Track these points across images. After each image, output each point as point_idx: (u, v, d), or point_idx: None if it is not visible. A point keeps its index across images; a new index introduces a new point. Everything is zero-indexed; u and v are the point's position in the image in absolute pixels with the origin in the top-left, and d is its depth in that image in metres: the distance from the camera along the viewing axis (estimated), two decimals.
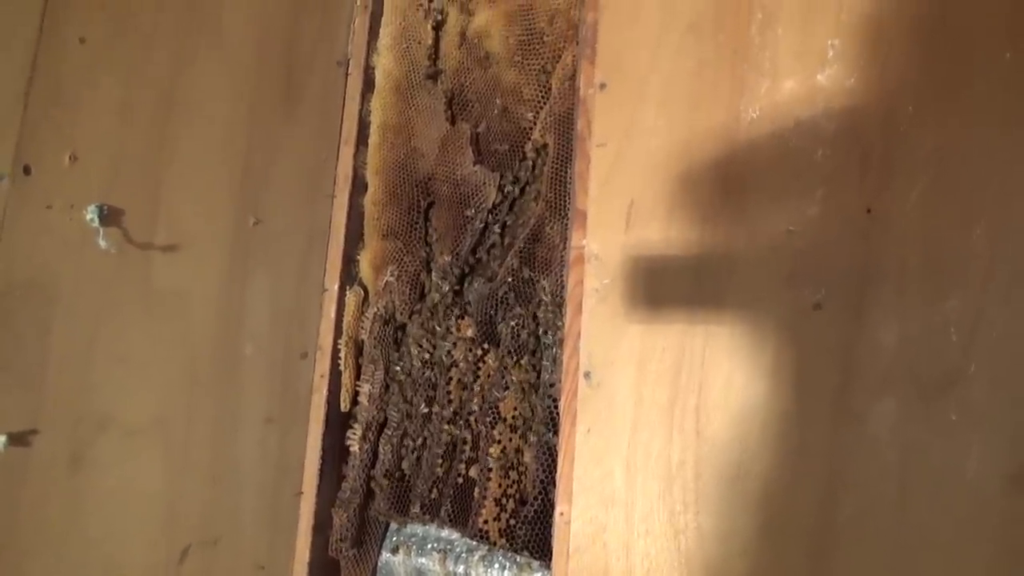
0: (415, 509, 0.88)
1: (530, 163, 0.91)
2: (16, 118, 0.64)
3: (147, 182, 0.76)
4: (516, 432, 0.85)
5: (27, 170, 0.65)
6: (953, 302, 0.61)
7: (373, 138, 1.00)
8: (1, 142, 0.63)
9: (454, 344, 0.91)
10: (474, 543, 0.90)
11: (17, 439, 0.63)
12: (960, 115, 0.63)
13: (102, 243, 0.70)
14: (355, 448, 0.96)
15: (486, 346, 0.89)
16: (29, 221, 0.65)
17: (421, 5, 1.00)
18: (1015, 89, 0.61)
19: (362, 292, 1.00)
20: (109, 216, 0.71)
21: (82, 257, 0.69)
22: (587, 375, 0.75)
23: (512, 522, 0.83)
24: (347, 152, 1.02)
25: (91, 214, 0.69)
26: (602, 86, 0.79)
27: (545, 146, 0.89)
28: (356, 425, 0.97)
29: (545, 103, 0.90)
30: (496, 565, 0.88)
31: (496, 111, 0.93)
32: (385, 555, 0.97)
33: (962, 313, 0.61)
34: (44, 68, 0.66)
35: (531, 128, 0.91)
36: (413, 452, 0.92)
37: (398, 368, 0.95)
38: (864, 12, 0.67)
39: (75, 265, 0.69)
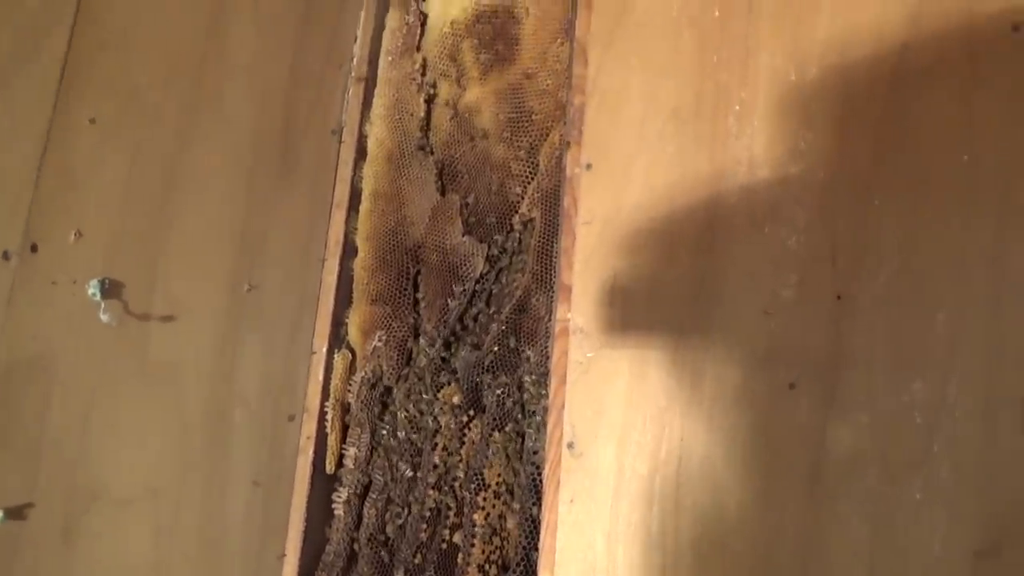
0: (399, 574, 0.89)
1: (517, 235, 0.95)
2: (27, 197, 0.66)
3: (147, 255, 0.78)
4: (500, 499, 0.87)
5: (34, 248, 0.67)
6: (917, 385, 0.64)
7: (364, 205, 1.03)
8: (11, 221, 0.65)
9: (440, 410, 0.93)
10: None
11: (13, 513, 0.64)
12: (922, 210, 0.66)
13: (104, 317, 0.72)
14: (339, 511, 0.97)
15: (471, 413, 0.91)
16: (34, 297, 0.67)
17: (414, 79, 1.04)
18: (971, 188, 0.65)
19: (350, 355, 1.01)
20: (110, 289, 0.72)
21: (83, 331, 0.71)
22: (570, 445, 0.77)
23: None
24: (339, 216, 1.05)
25: (93, 288, 0.71)
26: (588, 166, 0.83)
27: (532, 220, 0.93)
28: (341, 488, 0.98)
29: (533, 179, 0.94)
30: None
31: (487, 186, 0.97)
32: None
33: (926, 396, 0.64)
34: (55, 148, 0.68)
35: (519, 202, 0.94)
36: (397, 516, 0.93)
37: (384, 432, 0.97)
38: (831, 112, 0.71)
39: (76, 339, 0.70)
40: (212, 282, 0.86)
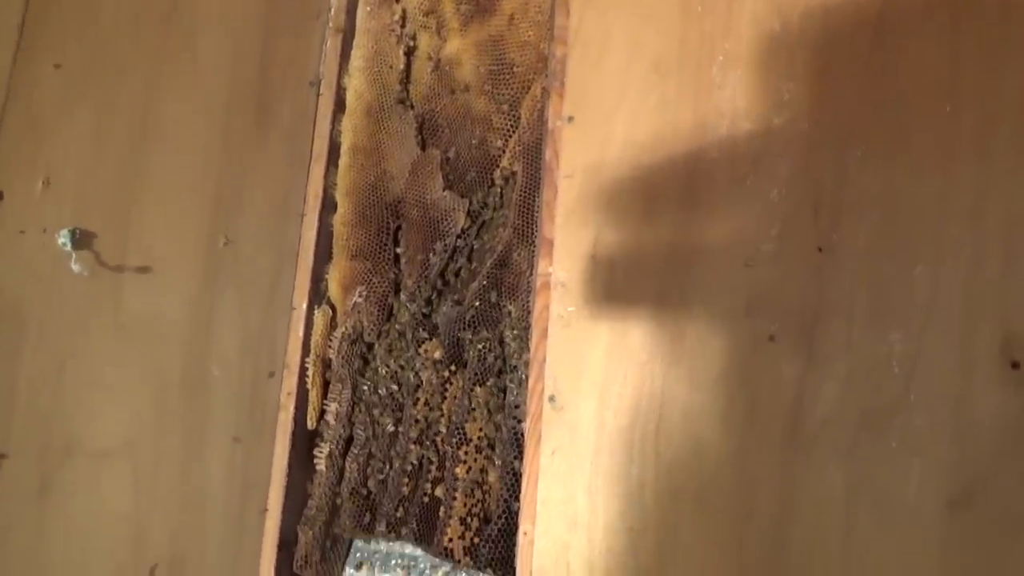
0: (381, 527, 0.89)
1: (498, 190, 0.94)
2: None
3: (119, 205, 0.76)
4: (481, 453, 0.87)
5: (0, 196, 0.65)
6: (895, 336, 0.65)
7: (344, 159, 1.02)
8: None
9: (421, 365, 0.93)
10: (438, 560, 0.91)
11: None
12: (904, 162, 0.66)
13: (75, 267, 0.70)
14: (321, 466, 0.97)
15: (453, 368, 0.91)
16: (2, 246, 0.65)
17: (393, 30, 1.02)
18: (953, 140, 0.65)
19: (330, 311, 1.01)
20: (81, 240, 0.71)
21: (54, 282, 0.70)
22: (552, 399, 0.77)
23: (476, 540, 0.85)
24: (317, 171, 1.03)
25: (63, 238, 0.70)
26: (570, 119, 0.82)
27: (514, 174, 0.92)
28: (323, 443, 0.98)
29: (514, 132, 0.92)
30: None
31: (468, 140, 0.95)
32: (349, 571, 0.98)
33: (904, 347, 0.64)
34: (18, 94, 0.66)
35: (500, 156, 0.93)
36: (379, 471, 0.93)
37: (365, 388, 0.97)
38: (814, 63, 0.71)
39: (47, 290, 0.69)
40: (187, 235, 0.85)
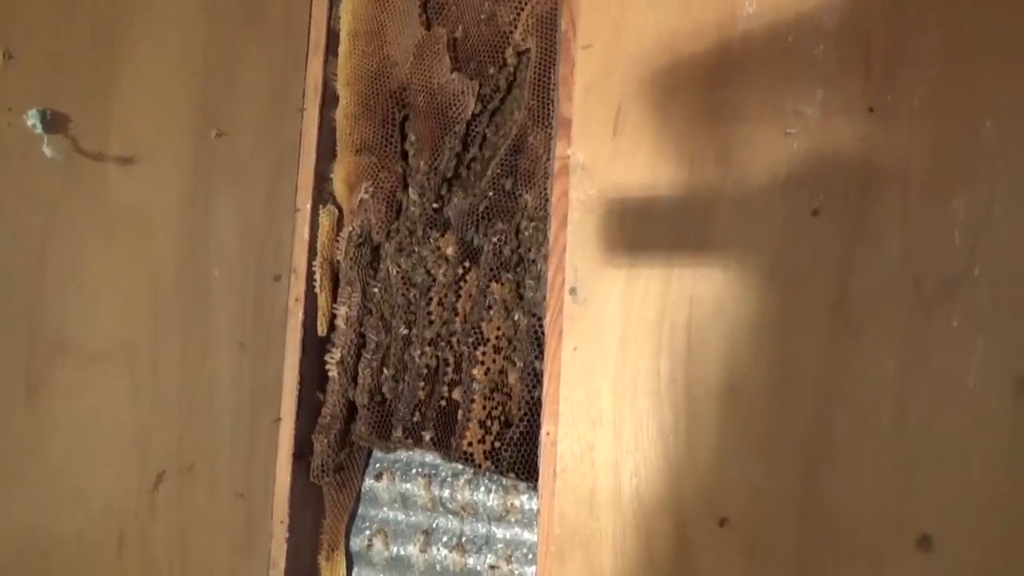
0: (397, 433, 0.86)
1: (511, 69, 0.86)
2: None
3: (96, 87, 0.70)
4: (500, 353, 0.82)
5: None
6: (958, 203, 0.58)
7: (343, 46, 0.94)
8: None
9: (434, 263, 0.88)
10: (459, 467, 0.88)
11: None
12: (968, 5, 0.58)
13: (47, 151, 0.65)
14: (333, 373, 0.93)
15: (467, 264, 0.86)
16: None
17: None
18: None
19: (336, 211, 0.95)
20: (54, 122, 0.65)
21: (25, 166, 0.64)
22: (573, 291, 0.72)
23: (497, 444, 0.81)
24: (316, 62, 0.96)
25: (33, 119, 0.64)
26: None
27: (527, 50, 0.84)
28: (334, 349, 0.93)
29: (526, 4, 0.84)
30: (482, 488, 0.87)
31: (476, 15, 0.87)
32: (368, 481, 0.95)
33: (967, 214, 0.58)
34: None
35: (512, 31, 0.85)
36: (393, 375, 0.89)
37: (376, 289, 0.92)
38: None
39: (17, 175, 0.63)
40: (174, 123, 0.79)
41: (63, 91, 0.67)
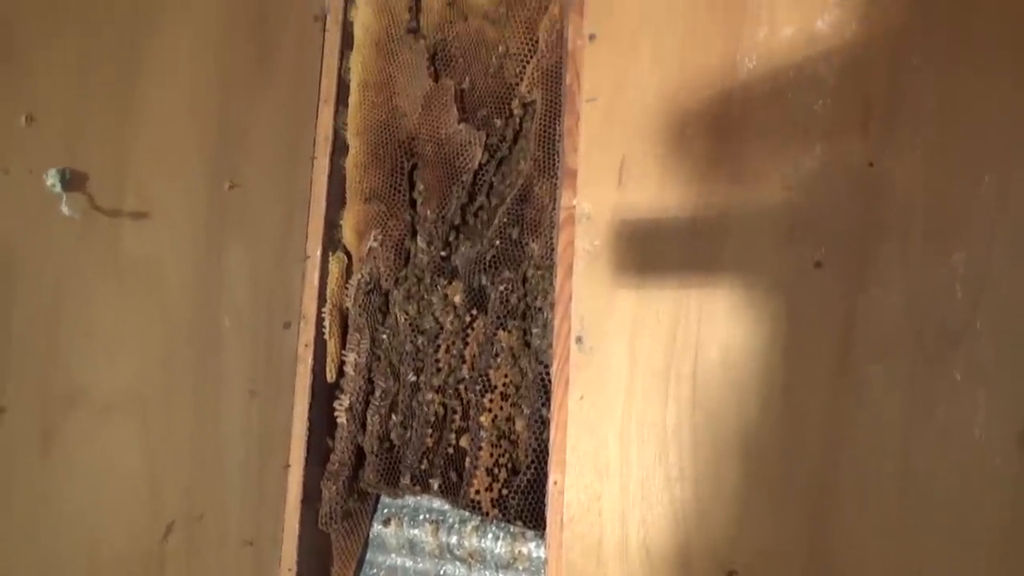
0: (405, 480, 0.86)
1: (517, 120, 0.88)
2: None
3: (112, 145, 0.71)
4: (507, 400, 0.83)
5: None
6: (958, 257, 0.59)
7: (353, 97, 0.96)
8: None
9: (441, 310, 0.88)
10: (466, 514, 0.88)
11: None
12: (968, 63, 0.60)
13: (65, 209, 0.66)
14: (342, 419, 0.93)
15: (474, 312, 0.86)
16: None
17: None
18: None
19: (345, 258, 0.96)
20: (72, 181, 0.67)
21: (44, 224, 0.66)
22: (579, 340, 0.72)
23: (504, 492, 0.81)
24: (327, 112, 0.98)
25: (52, 179, 0.65)
26: (591, 37, 0.76)
27: (533, 102, 0.86)
28: (343, 395, 0.94)
29: (532, 57, 0.86)
30: (490, 535, 0.87)
31: (483, 68, 0.89)
32: (376, 526, 0.95)
33: (968, 268, 0.58)
34: None
35: (518, 83, 0.87)
36: (402, 422, 0.90)
37: (384, 336, 0.93)
38: None
39: (37, 233, 0.65)
40: (188, 178, 0.80)
41: (81, 151, 0.69)
